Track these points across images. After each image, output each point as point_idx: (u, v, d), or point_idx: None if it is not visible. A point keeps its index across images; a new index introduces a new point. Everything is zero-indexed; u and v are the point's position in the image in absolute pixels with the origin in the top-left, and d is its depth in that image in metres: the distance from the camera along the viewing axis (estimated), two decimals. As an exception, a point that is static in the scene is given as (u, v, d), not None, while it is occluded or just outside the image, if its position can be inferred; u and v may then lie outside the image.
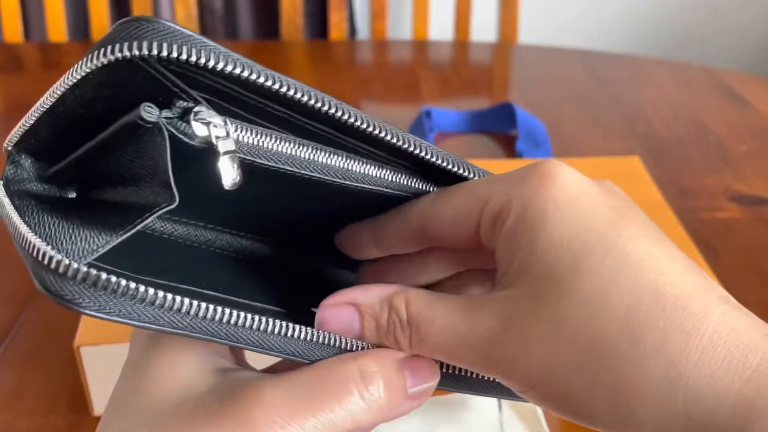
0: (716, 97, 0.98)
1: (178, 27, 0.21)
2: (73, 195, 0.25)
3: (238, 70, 0.22)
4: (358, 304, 0.27)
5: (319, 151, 0.25)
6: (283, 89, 0.23)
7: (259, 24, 1.67)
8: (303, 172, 0.25)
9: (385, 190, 0.27)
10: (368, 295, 0.27)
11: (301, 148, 0.25)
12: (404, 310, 0.26)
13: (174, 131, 0.22)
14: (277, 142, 0.24)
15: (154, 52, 0.20)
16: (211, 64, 0.21)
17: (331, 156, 0.26)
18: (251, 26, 1.67)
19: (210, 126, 0.22)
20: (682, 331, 0.22)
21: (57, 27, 1.25)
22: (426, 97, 0.99)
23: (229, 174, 0.22)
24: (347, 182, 0.26)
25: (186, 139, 0.22)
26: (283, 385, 0.25)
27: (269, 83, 0.23)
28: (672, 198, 0.72)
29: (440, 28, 1.34)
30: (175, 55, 0.21)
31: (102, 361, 0.47)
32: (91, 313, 0.22)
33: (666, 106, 0.95)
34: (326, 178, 0.26)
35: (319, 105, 0.24)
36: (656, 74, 1.06)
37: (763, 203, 0.74)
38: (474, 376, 0.29)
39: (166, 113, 0.22)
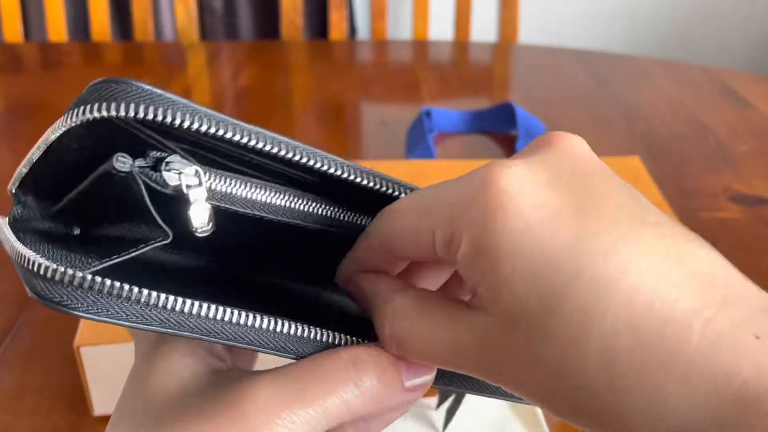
0: (716, 97, 0.98)
1: (147, 87, 0.23)
2: (77, 231, 0.26)
3: (204, 127, 0.23)
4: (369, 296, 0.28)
5: (295, 198, 0.26)
6: (252, 142, 0.24)
7: (259, 24, 1.67)
8: (280, 218, 0.26)
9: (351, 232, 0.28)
10: (374, 289, 0.28)
11: (276, 195, 0.26)
12: (387, 321, 0.26)
13: (147, 180, 0.23)
14: (252, 189, 0.25)
15: (122, 113, 0.22)
16: (177, 122, 0.22)
17: (307, 202, 0.26)
18: (251, 26, 1.67)
19: (181, 175, 0.23)
20: (660, 360, 0.21)
21: (57, 27, 1.25)
22: (426, 97, 0.99)
23: (199, 220, 0.23)
24: (323, 227, 0.27)
25: (159, 188, 0.23)
26: (276, 377, 0.25)
27: (237, 137, 0.23)
28: (672, 198, 0.72)
29: (440, 28, 1.34)
30: (141, 115, 0.22)
31: (102, 361, 0.47)
32: (80, 314, 0.22)
33: (666, 106, 0.96)
34: (302, 223, 0.27)
35: (289, 155, 0.25)
36: (656, 74, 1.06)
37: (763, 203, 0.74)
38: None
39: (139, 162, 0.23)
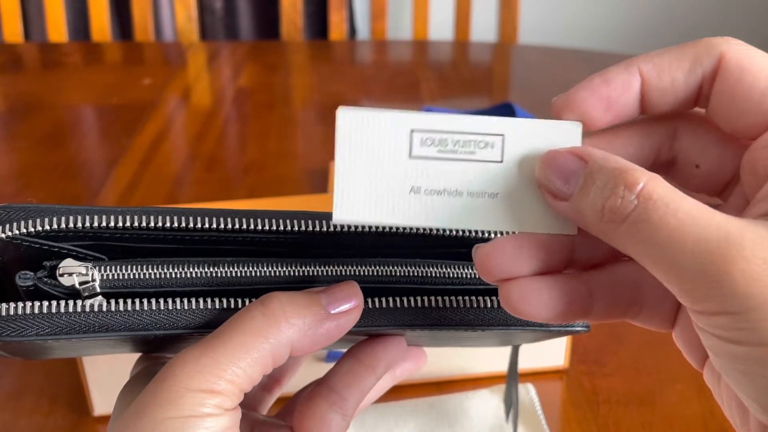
0: (716, 97, 0.98)
1: (22, 206, 0.26)
2: None
3: (71, 224, 0.26)
4: (589, 158, 0.23)
5: (187, 265, 0.28)
6: (129, 223, 0.27)
7: (259, 24, 1.67)
8: (185, 288, 0.28)
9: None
10: (604, 153, 0.23)
11: (167, 267, 0.27)
12: (641, 179, 0.21)
13: (49, 289, 0.27)
14: (144, 268, 0.27)
15: (3, 234, 0.26)
16: (47, 227, 0.26)
17: (200, 266, 0.28)
18: (251, 26, 1.67)
19: (74, 275, 0.26)
20: None
21: (57, 27, 1.25)
22: (426, 97, 0.99)
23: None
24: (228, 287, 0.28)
25: (59, 292, 0.27)
26: (198, 345, 0.26)
27: (113, 223, 0.27)
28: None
29: (440, 28, 1.34)
30: (17, 232, 0.26)
31: (102, 361, 0.47)
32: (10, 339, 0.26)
33: (666, 106, 0.95)
34: (205, 288, 0.28)
35: (160, 224, 0.27)
36: (656, 74, 1.06)
37: None
38: (480, 305, 0.29)
39: (40, 274, 0.27)
